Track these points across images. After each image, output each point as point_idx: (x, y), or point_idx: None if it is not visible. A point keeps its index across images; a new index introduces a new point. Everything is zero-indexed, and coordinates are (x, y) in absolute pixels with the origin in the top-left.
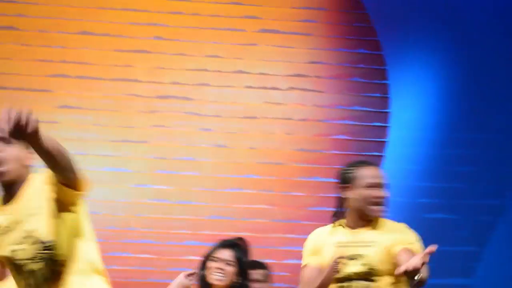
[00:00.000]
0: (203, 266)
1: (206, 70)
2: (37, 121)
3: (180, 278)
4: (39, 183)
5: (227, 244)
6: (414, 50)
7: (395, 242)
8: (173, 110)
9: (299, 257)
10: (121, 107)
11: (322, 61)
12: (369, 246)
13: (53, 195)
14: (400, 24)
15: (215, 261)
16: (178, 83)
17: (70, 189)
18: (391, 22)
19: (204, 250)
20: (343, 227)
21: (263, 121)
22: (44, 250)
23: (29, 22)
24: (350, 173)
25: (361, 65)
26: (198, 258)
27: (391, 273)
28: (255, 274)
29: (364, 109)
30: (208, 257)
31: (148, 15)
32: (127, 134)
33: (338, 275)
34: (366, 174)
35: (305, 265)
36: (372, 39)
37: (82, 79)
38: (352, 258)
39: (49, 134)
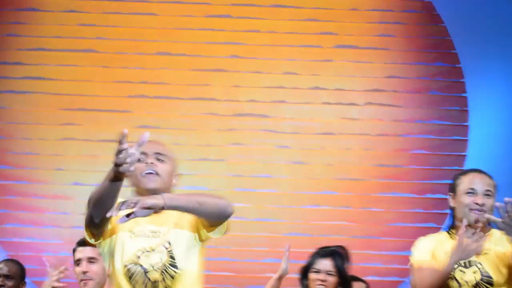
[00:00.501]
0: (304, 275)
1: (282, 87)
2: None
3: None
4: None
5: (326, 253)
6: (493, 62)
7: (507, 252)
8: (250, 127)
9: (379, 273)
10: (198, 126)
11: (400, 75)
12: (482, 255)
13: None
14: (478, 36)
15: (316, 272)
16: (255, 101)
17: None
18: (469, 35)
19: None
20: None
21: (340, 137)
22: (169, 265)
23: (108, 44)
24: (454, 181)
25: (439, 78)
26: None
27: (506, 282)
28: (356, 286)
29: (443, 123)
30: (308, 268)
31: (225, 34)
32: (205, 152)
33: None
34: (465, 180)
35: (420, 266)
36: (450, 52)
37: (160, 99)
38: (466, 266)
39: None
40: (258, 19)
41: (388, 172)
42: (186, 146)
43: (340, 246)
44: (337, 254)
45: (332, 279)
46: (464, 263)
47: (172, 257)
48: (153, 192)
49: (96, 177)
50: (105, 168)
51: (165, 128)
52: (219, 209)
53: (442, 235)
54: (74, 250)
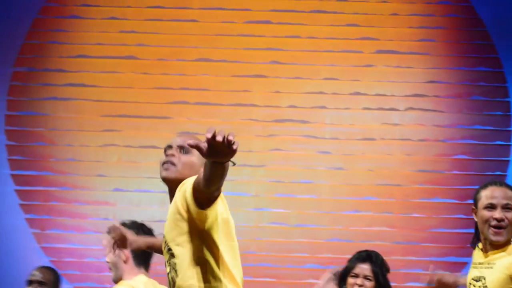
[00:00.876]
0: (343, 279)
1: (323, 92)
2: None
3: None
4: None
5: (365, 258)
6: None
7: None
8: (290, 133)
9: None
10: (239, 132)
11: (441, 80)
12: (491, 268)
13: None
14: None
15: (354, 276)
16: (295, 107)
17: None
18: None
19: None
20: (480, 249)
21: (381, 142)
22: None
23: (149, 51)
24: (475, 195)
25: (481, 83)
26: (318, 281)
27: None
28: None
29: (485, 128)
30: (347, 272)
31: (265, 40)
32: (246, 158)
33: None
34: (484, 194)
35: None
36: (492, 57)
37: (201, 105)
38: (476, 279)
39: None
40: (298, 25)
41: (430, 177)
42: None
43: (375, 252)
44: (376, 259)
45: (369, 284)
46: (474, 277)
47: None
48: (167, 181)
49: (137, 183)
50: (146, 174)
51: (205, 134)
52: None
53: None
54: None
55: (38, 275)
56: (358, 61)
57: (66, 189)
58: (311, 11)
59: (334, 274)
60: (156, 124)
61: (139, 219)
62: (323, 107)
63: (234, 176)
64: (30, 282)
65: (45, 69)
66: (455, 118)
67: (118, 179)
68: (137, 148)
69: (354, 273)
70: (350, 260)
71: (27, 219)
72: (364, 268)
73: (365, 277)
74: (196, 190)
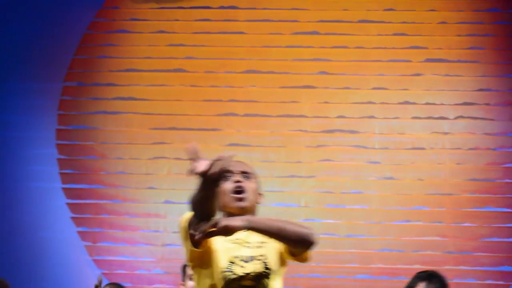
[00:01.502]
0: None
1: (371, 102)
2: (227, 228)
3: None
4: None
5: (425, 276)
6: None
7: None
8: (340, 144)
9: None
10: (288, 143)
11: (491, 88)
12: None
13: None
14: None
15: None
16: (344, 117)
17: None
18: None
19: (375, 283)
20: None
21: (432, 151)
22: (263, 274)
23: (197, 64)
24: None
25: None
26: None
27: None
28: None
29: None
30: None
31: (313, 51)
32: (295, 169)
33: None
34: None
35: None
36: None
37: (250, 117)
38: None
39: (265, 218)
40: (346, 35)
41: (481, 186)
42: (275, 163)
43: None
44: (436, 277)
45: None
46: None
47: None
48: (242, 211)
49: (187, 195)
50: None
51: (254, 146)
52: (300, 237)
53: None
54: (185, 266)
55: None
56: (407, 70)
57: (117, 202)
58: (358, 21)
59: None
60: (206, 136)
61: None
62: (372, 117)
63: (283, 187)
64: None
65: (95, 83)
66: (506, 126)
67: (168, 191)
68: (186, 161)
69: None
70: (411, 280)
71: (78, 232)
72: (424, 286)
73: None
74: None
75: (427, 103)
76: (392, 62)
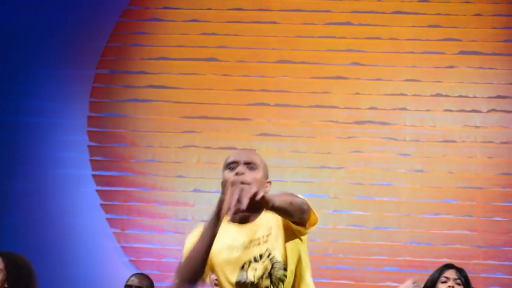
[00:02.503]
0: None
1: (403, 94)
2: (254, 194)
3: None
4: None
5: (452, 265)
6: None
7: None
8: (370, 135)
9: (502, 283)
10: (318, 134)
11: None
12: None
13: (286, 225)
14: None
15: (444, 282)
16: (375, 108)
17: (300, 226)
18: None
19: (403, 276)
20: None
21: (463, 144)
22: (275, 269)
23: (229, 53)
24: None
25: None
26: (397, 285)
27: None
28: None
29: None
30: (436, 279)
31: (345, 42)
32: (325, 160)
33: None
34: None
35: None
36: None
37: (280, 107)
38: None
39: (280, 193)
40: (379, 26)
41: None
42: (305, 153)
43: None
44: (460, 268)
45: None
46: None
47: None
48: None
49: (216, 184)
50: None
51: (284, 136)
52: (301, 208)
53: None
54: None
55: (135, 281)
56: (440, 62)
57: (146, 190)
58: (392, 12)
59: (414, 283)
60: (236, 125)
61: None
62: (404, 108)
63: (313, 178)
64: (129, 287)
65: (126, 71)
66: None
67: (197, 180)
68: (216, 150)
69: (445, 277)
70: (437, 270)
71: (107, 219)
72: (453, 272)
73: (455, 281)
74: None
75: (460, 96)
76: (426, 54)
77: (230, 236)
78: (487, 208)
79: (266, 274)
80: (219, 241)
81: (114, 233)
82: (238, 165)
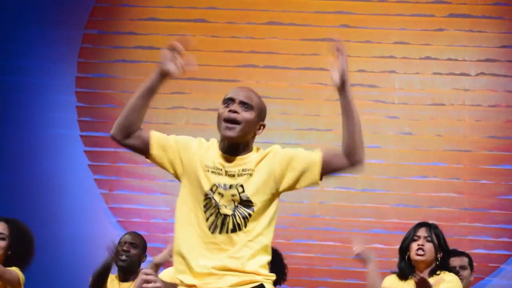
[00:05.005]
0: (406, 250)
1: (393, 57)
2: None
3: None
4: (271, 157)
5: (423, 223)
6: None
7: None
8: (359, 98)
9: (488, 246)
10: (307, 96)
11: None
12: None
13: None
14: None
15: (415, 240)
16: (364, 71)
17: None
18: None
19: (390, 238)
20: None
21: (451, 107)
22: (244, 206)
23: (219, 14)
24: None
25: None
26: (384, 246)
27: None
28: (458, 260)
29: None
30: (408, 239)
31: (335, 4)
32: (314, 122)
33: None
34: None
35: None
36: None
37: (269, 69)
38: None
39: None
40: None
41: (500, 144)
42: (294, 115)
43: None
44: (433, 225)
45: (430, 245)
46: None
47: None
48: (231, 139)
49: None
50: (213, 137)
51: (273, 98)
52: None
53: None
54: None
55: (129, 237)
56: (430, 25)
57: None
58: None
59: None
60: (225, 87)
61: None
62: (393, 71)
63: (301, 140)
64: (123, 243)
65: (115, 31)
66: None
67: None
68: (205, 111)
69: (417, 236)
70: (409, 230)
71: (95, 180)
72: (424, 230)
73: (426, 238)
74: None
75: (449, 59)
76: (415, 16)
77: (211, 158)
78: (474, 171)
79: (231, 205)
80: (199, 156)
81: (102, 194)
82: (234, 102)
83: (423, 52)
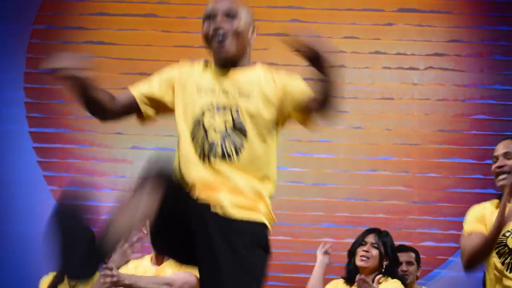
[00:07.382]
0: (353, 254)
1: (342, 51)
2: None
3: (319, 258)
4: (269, 75)
5: (372, 229)
6: None
7: None
8: None
9: (436, 239)
10: None
11: (462, 39)
12: None
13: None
14: None
15: (362, 245)
16: None
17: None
18: None
19: (340, 232)
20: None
21: (400, 101)
22: (235, 130)
23: (169, 9)
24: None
25: (503, 42)
26: (334, 240)
27: None
28: (405, 256)
29: (506, 88)
30: (356, 245)
31: None
32: None
33: (500, 249)
34: (496, 148)
35: (470, 232)
36: None
37: None
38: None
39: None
40: None
41: (448, 137)
42: None
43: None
44: (383, 232)
45: (375, 252)
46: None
47: None
48: (227, 59)
49: (155, 141)
50: (163, 132)
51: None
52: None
53: (495, 202)
54: None
55: None
56: (379, 19)
57: (84, 147)
58: None
59: (324, 251)
60: None
61: None
62: (342, 66)
63: None
64: None
65: (64, 26)
66: (475, 78)
67: (136, 137)
68: None
69: (364, 241)
70: (359, 235)
71: (45, 176)
72: (371, 237)
73: (372, 245)
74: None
75: (398, 53)
76: (365, 11)
77: (206, 77)
78: (423, 164)
79: (223, 131)
80: (194, 79)
81: (51, 190)
82: (217, 16)
83: (373, 46)
